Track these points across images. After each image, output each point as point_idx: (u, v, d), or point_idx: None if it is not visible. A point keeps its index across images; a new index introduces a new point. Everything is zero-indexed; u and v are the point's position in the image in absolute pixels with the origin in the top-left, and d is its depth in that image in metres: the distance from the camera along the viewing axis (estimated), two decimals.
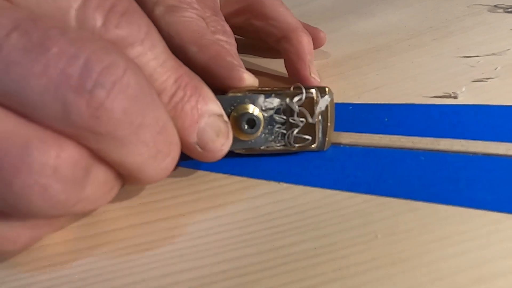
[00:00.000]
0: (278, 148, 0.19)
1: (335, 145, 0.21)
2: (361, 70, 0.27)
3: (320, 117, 0.19)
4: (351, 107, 0.24)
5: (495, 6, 0.33)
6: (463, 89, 0.23)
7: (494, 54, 0.26)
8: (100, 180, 0.14)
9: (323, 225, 0.16)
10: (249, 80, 0.19)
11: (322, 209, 0.17)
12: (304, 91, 0.18)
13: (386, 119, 0.22)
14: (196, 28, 0.21)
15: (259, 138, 0.19)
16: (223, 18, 0.25)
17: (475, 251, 0.14)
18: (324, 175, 0.19)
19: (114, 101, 0.12)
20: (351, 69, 0.28)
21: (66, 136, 0.13)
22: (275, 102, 0.18)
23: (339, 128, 0.21)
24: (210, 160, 0.17)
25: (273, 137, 0.19)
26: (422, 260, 0.14)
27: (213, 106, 0.17)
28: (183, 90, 0.16)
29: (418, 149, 0.19)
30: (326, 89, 0.19)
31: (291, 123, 0.19)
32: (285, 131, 0.19)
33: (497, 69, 0.24)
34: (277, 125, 0.19)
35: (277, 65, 0.29)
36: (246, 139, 0.19)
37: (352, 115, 0.23)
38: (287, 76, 0.27)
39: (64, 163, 0.12)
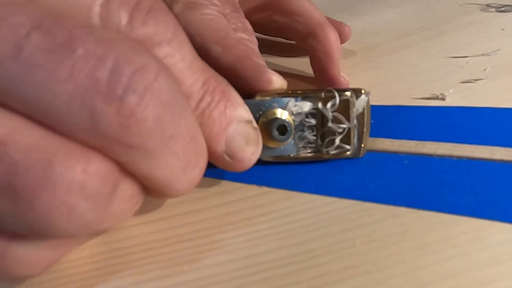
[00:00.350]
0: (309, 155, 0.18)
1: None
2: (351, 70, 0.27)
3: (355, 121, 0.18)
4: None
5: (487, 5, 0.32)
6: (451, 90, 0.22)
7: (484, 54, 0.26)
8: (127, 195, 0.13)
9: (302, 231, 0.16)
10: (278, 82, 0.18)
11: (302, 214, 0.16)
12: (337, 95, 0.17)
13: (372, 121, 0.22)
14: (218, 26, 0.20)
15: (288, 145, 0.18)
16: (243, 14, 0.24)
17: (454, 260, 0.14)
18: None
19: (146, 109, 0.11)
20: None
21: (92, 148, 0.11)
22: (306, 106, 0.17)
23: None
24: (238, 170, 0.16)
25: (303, 143, 0.18)
26: (399, 269, 0.14)
27: (242, 111, 0.15)
28: (211, 95, 0.15)
29: (402, 152, 0.19)
30: (362, 90, 0.17)
31: (323, 128, 0.17)
32: (315, 137, 0.18)
33: (486, 70, 0.24)
34: (307, 131, 0.18)
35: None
36: (275, 146, 0.18)
37: None
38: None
39: (92, 178, 0.11)
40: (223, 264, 0.15)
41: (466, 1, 0.34)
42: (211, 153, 0.15)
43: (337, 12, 0.36)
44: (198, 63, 0.15)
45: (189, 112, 0.13)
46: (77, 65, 0.10)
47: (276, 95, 0.17)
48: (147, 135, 0.11)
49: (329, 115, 0.17)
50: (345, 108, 0.17)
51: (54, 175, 0.11)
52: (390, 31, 0.31)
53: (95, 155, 0.11)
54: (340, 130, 0.17)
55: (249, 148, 0.16)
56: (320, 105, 0.17)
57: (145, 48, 0.12)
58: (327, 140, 0.18)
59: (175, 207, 0.17)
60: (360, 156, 0.18)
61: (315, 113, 0.18)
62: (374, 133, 0.20)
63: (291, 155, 0.18)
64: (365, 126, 0.18)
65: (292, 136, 0.17)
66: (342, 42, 0.27)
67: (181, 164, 0.13)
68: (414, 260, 0.14)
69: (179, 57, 0.13)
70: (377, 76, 0.26)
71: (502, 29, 0.28)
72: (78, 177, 0.11)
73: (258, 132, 0.16)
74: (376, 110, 0.22)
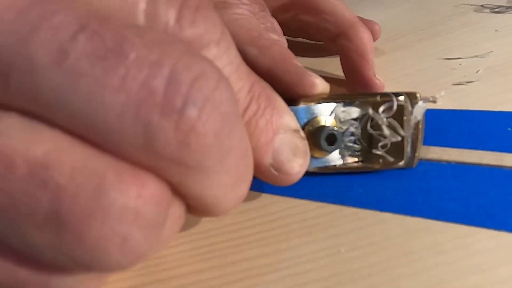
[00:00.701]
0: (356, 165, 0.17)
1: None
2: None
3: (412, 128, 0.16)
4: None
5: (482, 6, 0.32)
6: (442, 93, 0.22)
7: (477, 56, 0.25)
8: (176, 217, 0.12)
9: (285, 237, 0.16)
10: (321, 86, 0.17)
11: (287, 219, 0.16)
12: (395, 99, 0.16)
13: None
14: (251, 26, 0.19)
15: (334, 154, 0.16)
16: (269, 13, 0.23)
17: (440, 268, 0.14)
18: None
19: (206, 122, 0.10)
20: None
21: (144, 168, 0.10)
22: (354, 112, 0.16)
23: None
24: (284, 184, 0.14)
25: (349, 152, 0.17)
26: (384, 277, 0.14)
27: (289, 119, 0.14)
28: (257, 102, 0.14)
29: None
30: (418, 94, 0.16)
31: (372, 136, 0.16)
32: (358, 146, 0.17)
33: (478, 72, 0.24)
34: (353, 138, 0.17)
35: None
36: (321, 156, 0.16)
37: None
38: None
39: (146, 204, 0.10)
40: (205, 271, 0.15)
41: (461, 2, 0.33)
42: (256, 166, 0.13)
43: None
44: (244, 66, 0.13)
45: (242, 123, 0.12)
46: (130, 73, 0.09)
47: (321, 100, 0.16)
48: (206, 153, 0.10)
49: (384, 121, 0.16)
50: (398, 114, 0.16)
51: (106, 201, 0.09)
52: (385, 32, 0.31)
53: (148, 177, 0.10)
54: (395, 139, 0.16)
55: (297, 160, 0.14)
56: (370, 110, 0.16)
57: (199, 52, 0.11)
58: (382, 148, 0.16)
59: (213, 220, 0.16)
60: (414, 166, 0.17)
61: (363, 119, 0.16)
62: None
63: (337, 165, 0.17)
64: (420, 133, 0.16)
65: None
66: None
67: (231, 181, 0.11)
68: (399, 268, 0.14)
69: (227, 60, 0.12)
70: None
71: (496, 30, 0.28)
72: (132, 203, 0.09)
73: (306, 142, 0.15)
74: None
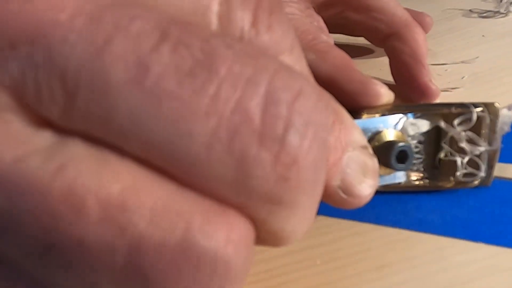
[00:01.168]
0: (423, 183, 0.15)
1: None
2: None
3: (498, 141, 0.14)
4: None
5: (470, 10, 0.32)
6: None
7: (463, 62, 0.25)
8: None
9: (260, 248, 0.15)
10: (387, 96, 0.16)
11: None
12: (474, 111, 0.14)
13: None
14: (305, 28, 0.18)
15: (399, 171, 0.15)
16: (314, 10, 0.21)
17: (416, 281, 0.13)
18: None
19: (309, 153, 0.08)
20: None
21: (229, 204, 0.08)
22: (424, 125, 0.15)
23: None
24: (351, 208, 0.12)
25: (415, 169, 0.15)
26: None
27: (357, 135, 0.12)
28: None
29: None
30: (496, 104, 0.14)
31: (438, 150, 0.15)
32: (424, 160, 0.15)
33: (463, 78, 0.23)
34: (420, 153, 0.15)
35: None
36: (385, 173, 0.15)
37: None
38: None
39: (237, 250, 0.08)
40: None
41: (450, 6, 0.33)
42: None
43: None
44: (312, 77, 0.12)
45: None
46: (222, 93, 0.07)
47: (386, 112, 0.15)
48: (303, 188, 0.08)
49: (462, 135, 0.14)
50: (476, 127, 0.14)
51: (195, 248, 0.07)
52: None
53: (234, 215, 0.08)
54: (477, 153, 0.14)
55: (367, 181, 0.12)
56: (443, 123, 0.15)
57: (292, 67, 0.09)
58: (465, 167, 0.15)
59: None
60: (489, 184, 0.15)
61: (431, 132, 0.15)
62: None
63: (402, 182, 0.15)
64: (497, 148, 0.15)
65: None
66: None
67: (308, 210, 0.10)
68: (374, 282, 0.13)
69: (299, 70, 0.11)
70: None
71: (483, 36, 0.28)
72: (222, 251, 0.08)
73: (376, 160, 0.13)
74: None
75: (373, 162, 0.12)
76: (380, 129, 0.14)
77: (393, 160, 0.14)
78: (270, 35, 0.09)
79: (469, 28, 0.29)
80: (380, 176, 0.14)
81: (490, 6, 0.32)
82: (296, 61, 0.10)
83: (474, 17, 0.31)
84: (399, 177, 0.15)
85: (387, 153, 0.14)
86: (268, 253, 0.15)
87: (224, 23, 0.09)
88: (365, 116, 0.15)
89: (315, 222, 0.16)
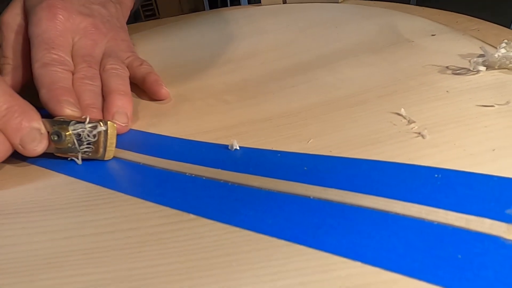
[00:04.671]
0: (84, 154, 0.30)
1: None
2: (307, 121, 0.31)
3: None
4: (279, 155, 0.28)
5: (447, 67, 0.35)
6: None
7: (417, 113, 0.29)
8: None
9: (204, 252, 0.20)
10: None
11: (206, 242, 0.21)
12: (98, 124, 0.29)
13: (305, 168, 0.26)
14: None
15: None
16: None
17: None
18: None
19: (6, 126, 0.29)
20: (300, 120, 0.31)
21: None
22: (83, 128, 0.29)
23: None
24: (27, 155, 0.29)
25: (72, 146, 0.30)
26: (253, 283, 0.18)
27: (34, 123, 0.29)
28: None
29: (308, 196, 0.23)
30: (109, 122, 0.29)
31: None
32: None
33: (412, 129, 0.27)
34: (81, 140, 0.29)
35: None
36: (63, 146, 0.30)
37: (279, 162, 0.27)
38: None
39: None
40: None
41: (430, 62, 0.37)
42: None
43: (316, 68, 0.41)
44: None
45: None
46: None
47: (72, 118, 0.30)
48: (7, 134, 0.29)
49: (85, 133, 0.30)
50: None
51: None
52: (352, 87, 0.35)
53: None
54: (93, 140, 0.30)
55: (33, 144, 0.29)
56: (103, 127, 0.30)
57: None
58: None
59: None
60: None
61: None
62: (304, 180, 0.24)
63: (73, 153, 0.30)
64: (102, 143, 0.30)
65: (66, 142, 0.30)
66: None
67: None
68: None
69: None
70: (324, 128, 0.30)
71: (447, 91, 0.31)
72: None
73: (44, 135, 0.29)
74: (309, 158, 0.26)
75: (40, 136, 0.29)
76: (63, 125, 0.29)
77: (56, 138, 0.29)
78: None
79: (438, 84, 0.33)
80: (59, 148, 0.30)
81: (467, 64, 0.35)
82: None
83: (448, 73, 0.34)
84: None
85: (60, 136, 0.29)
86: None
87: None
88: (56, 118, 0.31)
89: (237, 232, 0.20)
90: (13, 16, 0.38)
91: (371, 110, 0.31)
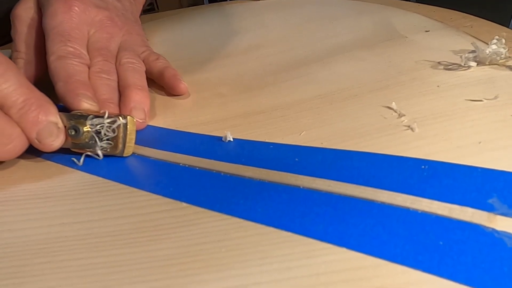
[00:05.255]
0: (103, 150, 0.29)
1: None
2: (300, 114, 0.32)
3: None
4: (271, 146, 0.28)
5: (439, 63, 0.36)
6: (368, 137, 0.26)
7: (407, 107, 0.29)
8: None
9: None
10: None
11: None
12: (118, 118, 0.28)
13: (296, 159, 0.26)
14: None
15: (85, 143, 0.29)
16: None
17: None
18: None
19: (20, 119, 0.27)
20: (293, 113, 0.32)
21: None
22: (102, 123, 0.28)
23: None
24: (44, 150, 0.28)
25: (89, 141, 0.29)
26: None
27: (51, 116, 0.27)
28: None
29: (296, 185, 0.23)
30: (129, 117, 0.28)
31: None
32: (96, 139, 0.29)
33: (402, 122, 0.28)
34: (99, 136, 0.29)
35: None
36: (81, 141, 0.28)
37: (271, 153, 0.27)
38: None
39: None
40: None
41: (423, 58, 0.37)
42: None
43: (312, 62, 0.41)
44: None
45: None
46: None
47: (90, 113, 0.29)
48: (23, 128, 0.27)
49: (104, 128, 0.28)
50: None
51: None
52: (345, 82, 0.36)
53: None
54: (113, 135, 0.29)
55: (51, 139, 0.28)
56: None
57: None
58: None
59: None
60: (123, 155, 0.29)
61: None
62: (295, 170, 0.25)
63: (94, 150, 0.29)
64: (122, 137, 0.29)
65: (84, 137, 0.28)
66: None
67: None
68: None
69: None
70: (315, 121, 0.30)
71: (438, 86, 0.32)
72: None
73: (61, 130, 0.28)
74: (300, 150, 0.27)
75: (57, 131, 0.28)
76: (81, 119, 0.28)
77: (73, 133, 0.28)
78: None
79: (429, 79, 0.33)
80: (76, 143, 0.28)
81: (458, 60, 0.35)
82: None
83: (440, 69, 0.35)
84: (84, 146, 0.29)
85: (78, 131, 0.28)
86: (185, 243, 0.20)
87: None
88: (73, 112, 0.29)
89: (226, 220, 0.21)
90: (26, 9, 0.37)
91: (362, 104, 0.31)
